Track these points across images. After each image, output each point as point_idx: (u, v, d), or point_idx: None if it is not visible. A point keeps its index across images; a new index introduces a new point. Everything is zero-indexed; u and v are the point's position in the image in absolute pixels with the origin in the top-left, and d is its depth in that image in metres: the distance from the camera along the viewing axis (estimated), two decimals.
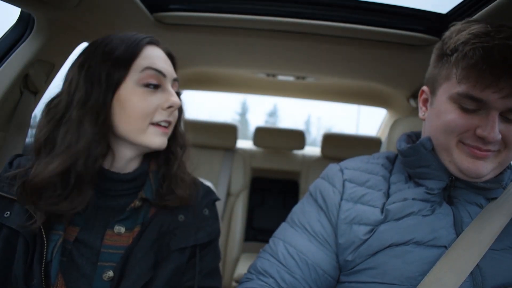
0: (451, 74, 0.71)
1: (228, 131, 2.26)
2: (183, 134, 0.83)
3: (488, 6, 0.93)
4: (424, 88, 0.81)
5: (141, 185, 0.76)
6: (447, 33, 0.76)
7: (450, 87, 0.72)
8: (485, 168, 0.70)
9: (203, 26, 1.31)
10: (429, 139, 0.75)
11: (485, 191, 0.75)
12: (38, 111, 1.07)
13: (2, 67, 0.97)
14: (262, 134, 2.36)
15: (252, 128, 2.46)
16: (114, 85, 0.70)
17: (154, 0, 1.20)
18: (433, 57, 0.79)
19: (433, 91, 0.78)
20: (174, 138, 0.80)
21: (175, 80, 0.77)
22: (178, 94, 0.78)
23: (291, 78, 2.02)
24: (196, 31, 1.36)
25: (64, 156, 0.66)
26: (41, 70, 1.04)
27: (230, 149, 2.30)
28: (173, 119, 0.76)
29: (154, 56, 0.73)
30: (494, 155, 0.70)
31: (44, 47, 1.01)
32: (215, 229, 0.82)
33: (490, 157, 0.70)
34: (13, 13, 0.99)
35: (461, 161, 0.71)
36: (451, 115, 0.71)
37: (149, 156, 0.79)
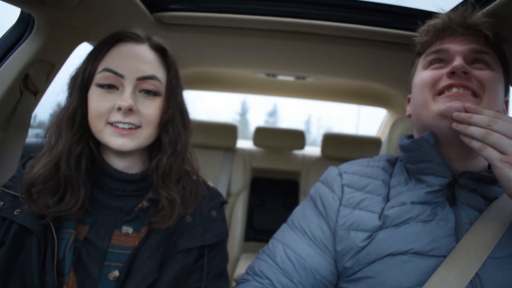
0: (418, 60, 0.84)
1: (228, 131, 2.26)
2: (176, 131, 0.78)
3: (488, 6, 0.93)
4: (409, 95, 0.88)
5: (148, 186, 0.77)
6: None
7: (419, 66, 0.82)
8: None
9: (203, 26, 1.31)
10: (431, 134, 0.75)
11: (488, 186, 0.73)
12: (38, 111, 1.07)
13: (2, 67, 0.97)
14: (262, 134, 2.36)
15: (252, 128, 2.46)
16: (84, 87, 0.72)
17: (154, 0, 1.20)
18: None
19: (411, 86, 0.85)
20: (165, 135, 0.76)
21: (145, 78, 0.72)
22: (150, 92, 0.73)
23: (291, 78, 2.02)
24: (196, 31, 1.36)
25: (46, 156, 0.70)
26: (41, 70, 1.04)
27: (230, 149, 2.30)
28: (136, 121, 0.71)
29: (117, 56, 0.72)
30: (476, 102, 0.71)
31: (44, 47, 1.01)
32: (223, 230, 0.82)
33: (470, 99, 0.70)
34: (13, 13, 0.99)
35: (439, 106, 0.72)
36: (423, 74, 0.78)
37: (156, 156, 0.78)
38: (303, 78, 1.97)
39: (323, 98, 2.51)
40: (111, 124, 0.70)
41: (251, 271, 0.80)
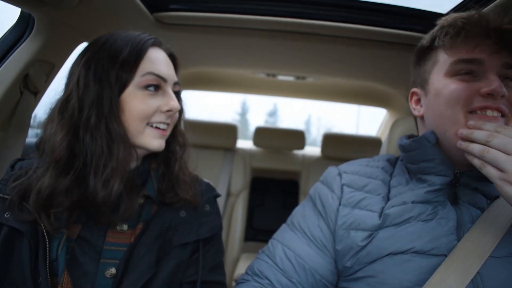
0: (437, 57, 0.76)
1: (228, 131, 2.26)
2: (183, 134, 0.83)
3: (487, 6, 0.93)
4: (414, 89, 0.83)
5: (142, 183, 0.77)
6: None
7: (441, 67, 0.75)
8: None
9: (203, 26, 1.31)
10: (432, 133, 0.74)
11: (489, 185, 0.72)
12: (38, 111, 1.07)
13: (2, 67, 0.97)
14: (262, 134, 2.36)
15: (252, 128, 2.46)
16: (122, 88, 0.69)
17: (154, 0, 1.20)
18: (413, 63, 0.84)
19: (424, 85, 0.79)
20: (174, 137, 0.81)
21: (175, 83, 0.77)
22: (178, 94, 0.78)
23: (291, 78, 2.02)
24: (196, 31, 1.36)
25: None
26: (41, 70, 1.04)
27: (230, 149, 2.30)
28: (171, 121, 0.76)
29: (156, 60, 0.72)
30: (503, 122, 0.69)
31: (44, 47, 1.01)
32: (217, 224, 0.83)
33: (500, 122, 0.68)
34: (13, 13, 0.99)
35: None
36: (452, 85, 0.71)
37: (149, 155, 0.79)
38: (303, 78, 1.97)
39: (323, 98, 2.51)
40: (150, 125, 0.72)
41: (251, 271, 0.80)
